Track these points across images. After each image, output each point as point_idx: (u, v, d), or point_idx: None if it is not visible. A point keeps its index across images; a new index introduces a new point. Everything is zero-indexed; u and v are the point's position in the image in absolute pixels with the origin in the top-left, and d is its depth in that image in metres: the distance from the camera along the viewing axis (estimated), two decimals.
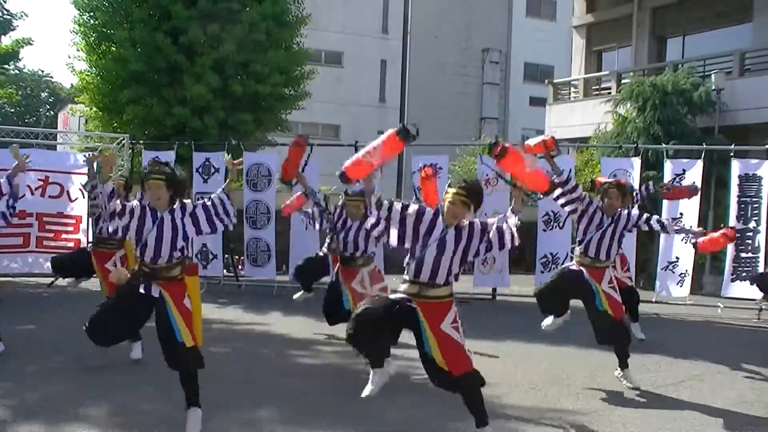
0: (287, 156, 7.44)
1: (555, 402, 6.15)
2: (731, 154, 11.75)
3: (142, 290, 4.95)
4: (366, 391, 4.73)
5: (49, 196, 12.11)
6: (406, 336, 8.05)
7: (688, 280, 11.40)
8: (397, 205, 4.74)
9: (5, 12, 18.06)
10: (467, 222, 4.79)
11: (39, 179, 11.99)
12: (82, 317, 5.23)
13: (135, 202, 5.11)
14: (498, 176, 7.87)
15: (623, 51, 21.51)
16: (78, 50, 15.05)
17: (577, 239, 6.78)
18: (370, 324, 4.64)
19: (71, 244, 12.18)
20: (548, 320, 6.84)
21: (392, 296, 4.86)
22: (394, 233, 4.73)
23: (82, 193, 12.30)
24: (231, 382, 6.54)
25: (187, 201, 5.23)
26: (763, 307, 11.08)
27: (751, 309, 11.27)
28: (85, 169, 12.30)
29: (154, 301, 4.94)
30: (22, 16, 18.44)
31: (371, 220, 4.73)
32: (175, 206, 5.08)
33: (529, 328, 7.91)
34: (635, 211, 6.94)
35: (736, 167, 11.41)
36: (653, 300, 11.96)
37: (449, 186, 4.80)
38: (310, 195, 7.94)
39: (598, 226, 6.65)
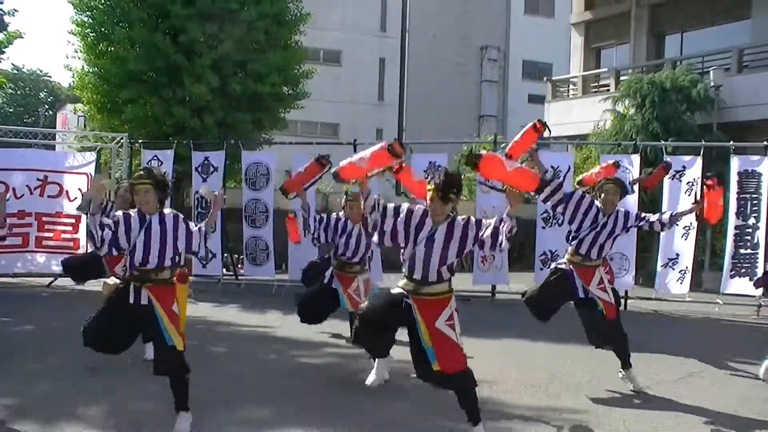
0: (302, 170, 6.72)
1: (554, 400, 6.15)
2: (730, 150, 11.75)
3: (131, 300, 5.00)
4: (369, 380, 5.01)
5: (48, 196, 12.10)
6: (403, 335, 8.01)
7: (688, 277, 11.40)
8: (390, 206, 4.79)
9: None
10: (462, 219, 4.75)
11: (38, 179, 11.98)
12: (82, 317, 5.24)
13: (119, 213, 5.10)
14: (489, 187, 7.69)
15: (621, 48, 21.51)
16: (76, 51, 15.03)
17: (570, 237, 6.57)
18: (373, 324, 4.79)
19: (71, 244, 12.18)
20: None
21: (392, 292, 4.88)
22: (387, 232, 4.78)
23: (81, 193, 12.25)
24: (230, 381, 6.54)
25: (190, 223, 5.33)
26: (762, 303, 11.10)
27: (750, 306, 11.28)
28: (83, 168, 12.38)
29: (144, 309, 4.99)
30: (13, 12, 18.32)
31: (370, 222, 4.80)
32: (166, 212, 5.14)
33: (528, 326, 7.90)
34: (635, 211, 6.78)
35: (736, 164, 11.41)
36: (653, 297, 11.99)
37: (428, 183, 4.75)
38: (307, 210, 7.44)
39: (592, 225, 6.40)
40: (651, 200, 13.85)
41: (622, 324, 6.56)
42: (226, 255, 13.46)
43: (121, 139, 13.44)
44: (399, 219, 4.75)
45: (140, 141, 13.84)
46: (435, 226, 4.70)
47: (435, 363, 4.64)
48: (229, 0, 14.03)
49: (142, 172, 5.12)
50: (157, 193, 5.02)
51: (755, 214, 11.19)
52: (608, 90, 19.65)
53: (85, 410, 5.29)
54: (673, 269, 11.46)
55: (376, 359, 5.10)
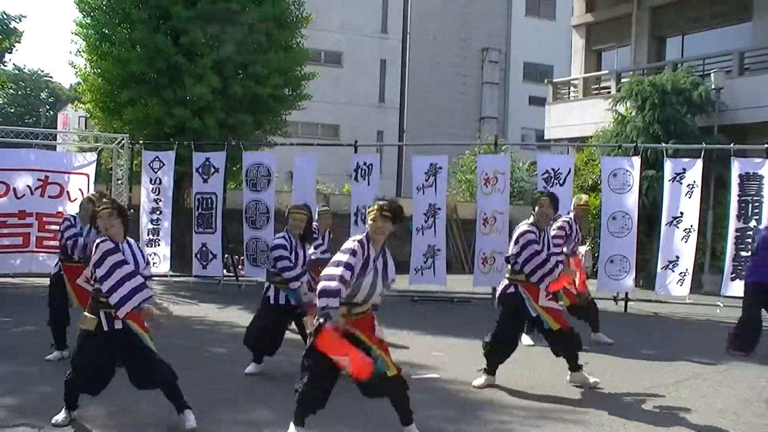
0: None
1: (555, 401, 6.15)
2: (731, 153, 11.76)
3: (105, 327, 4.99)
4: None
5: (49, 196, 12.09)
6: (404, 338, 7.98)
7: (688, 279, 11.40)
8: (346, 273, 4.63)
9: (3, 15, 18.11)
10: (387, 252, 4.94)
11: (39, 179, 11.98)
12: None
13: (106, 244, 5.02)
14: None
15: (622, 50, 21.49)
16: (79, 51, 15.04)
17: (512, 261, 6.50)
18: (326, 388, 4.80)
19: None
20: (481, 380, 6.64)
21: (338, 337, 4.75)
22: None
23: (82, 193, 12.30)
24: (230, 381, 6.54)
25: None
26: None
27: None
28: (84, 169, 12.39)
29: (118, 332, 5.01)
30: (20, 18, 18.47)
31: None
32: (128, 239, 5.22)
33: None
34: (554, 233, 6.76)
35: (737, 166, 11.41)
36: (653, 299, 11.99)
37: (369, 207, 4.90)
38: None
39: (534, 251, 6.40)
40: (652, 202, 13.88)
41: (573, 329, 6.63)
42: (226, 256, 13.47)
43: (122, 139, 13.45)
44: (352, 265, 4.69)
45: (141, 141, 13.85)
46: (378, 255, 4.80)
47: (390, 367, 4.75)
48: (231, 1, 14.04)
49: (104, 199, 5.28)
50: (121, 217, 5.08)
51: (756, 217, 11.18)
52: (609, 92, 19.65)
53: (85, 410, 5.29)
54: (674, 271, 11.46)
55: (296, 427, 4.84)
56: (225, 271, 13.47)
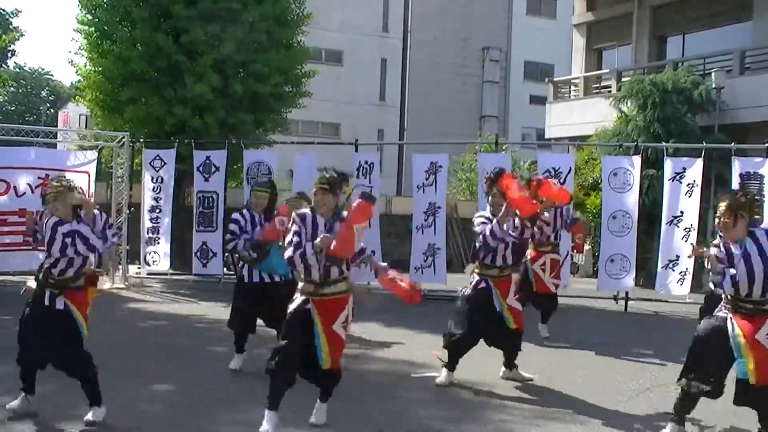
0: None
1: (553, 402, 6.15)
2: (731, 152, 11.76)
3: (46, 302, 5.02)
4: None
5: None
6: (403, 336, 7.98)
7: (688, 279, 11.39)
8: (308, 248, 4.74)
9: (1, 11, 18.11)
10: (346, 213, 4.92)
11: (39, 177, 11.96)
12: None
13: (52, 219, 5.00)
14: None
15: (623, 49, 21.50)
16: (80, 49, 15.04)
17: (481, 254, 6.45)
18: (290, 364, 4.81)
19: None
20: (443, 377, 6.56)
21: (291, 307, 4.88)
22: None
23: (83, 192, 12.30)
24: (230, 381, 6.54)
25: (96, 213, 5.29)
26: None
27: None
28: (84, 167, 12.39)
29: (58, 313, 5.04)
30: (16, 13, 18.47)
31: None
32: (82, 218, 5.17)
33: (527, 328, 7.88)
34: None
35: (737, 166, 11.41)
36: (653, 298, 11.98)
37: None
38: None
39: (497, 237, 6.27)
40: (652, 202, 13.88)
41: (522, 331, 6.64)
42: (227, 254, 13.44)
43: (123, 138, 13.45)
44: (301, 233, 4.80)
45: (141, 140, 13.85)
46: (329, 221, 4.80)
47: (326, 362, 4.81)
48: (231, 0, 14.03)
49: (54, 183, 5.25)
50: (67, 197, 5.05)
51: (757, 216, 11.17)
52: (610, 91, 19.65)
53: (85, 410, 5.29)
54: (674, 270, 11.45)
55: (269, 411, 4.84)
56: (225, 269, 13.46)
